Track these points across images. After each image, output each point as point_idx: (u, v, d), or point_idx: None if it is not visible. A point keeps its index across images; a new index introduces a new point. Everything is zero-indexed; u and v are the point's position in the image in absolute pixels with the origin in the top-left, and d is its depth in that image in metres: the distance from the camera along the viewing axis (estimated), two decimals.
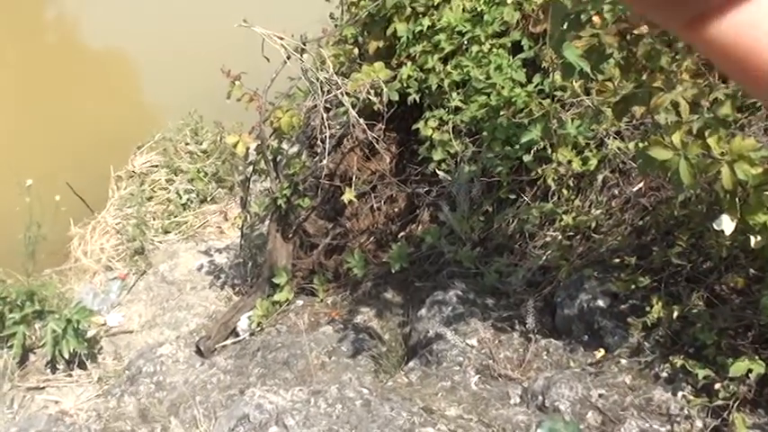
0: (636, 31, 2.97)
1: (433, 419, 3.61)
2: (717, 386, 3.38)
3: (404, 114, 5.48)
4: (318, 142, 5.53)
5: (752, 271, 3.61)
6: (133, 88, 10.76)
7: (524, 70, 4.77)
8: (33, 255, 6.70)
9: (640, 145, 3.60)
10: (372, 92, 5.14)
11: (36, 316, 6.08)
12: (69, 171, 7.84)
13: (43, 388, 5.84)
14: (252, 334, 5.69)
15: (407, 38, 5.21)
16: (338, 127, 5.66)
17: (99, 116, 9.25)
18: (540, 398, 3.74)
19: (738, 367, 3.24)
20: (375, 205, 5.71)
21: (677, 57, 3.05)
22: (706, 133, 2.78)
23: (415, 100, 5.20)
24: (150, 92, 10.41)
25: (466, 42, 5.03)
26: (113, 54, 11.07)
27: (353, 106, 5.29)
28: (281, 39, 5.16)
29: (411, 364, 4.51)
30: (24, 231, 6.54)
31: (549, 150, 4.44)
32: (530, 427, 3.51)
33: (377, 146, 5.49)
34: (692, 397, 3.50)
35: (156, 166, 8.34)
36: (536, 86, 4.65)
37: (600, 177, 4.46)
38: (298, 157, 5.78)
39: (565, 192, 4.58)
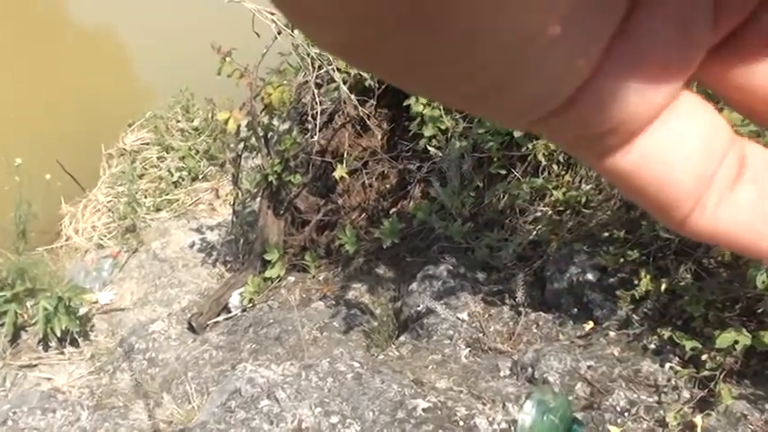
0: None
1: (423, 391, 3.63)
2: (704, 357, 3.41)
3: (395, 90, 5.47)
4: (309, 118, 5.53)
5: None
6: (124, 65, 10.72)
7: None
8: (24, 233, 6.70)
9: None
10: None
11: (27, 294, 6.08)
12: (59, 149, 7.83)
13: (35, 366, 5.85)
14: (244, 310, 5.71)
15: None
16: (329, 103, 5.66)
17: (89, 94, 9.22)
18: (530, 370, 3.76)
19: (725, 339, 3.26)
20: (366, 181, 5.72)
21: None
22: None
23: None
24: (141, 69, 10.37)
25: None
26: (104, 31, 11.02)
27: (345, 82, 5.29)
28: (272, 14, 5.15)
29: (402, 338, 4.54)
30: (15, 210, 6.54)
31: None
32: (519, 399, 3.54)
33: (368, 122, 5.49)
34: (679, 368, 3.53)
35: (148, 143, 8.34)
36: None
37: None
38: (289, 133, 5.78)
39: (555, 167, 4.59)
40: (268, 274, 5.76)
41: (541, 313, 4.26)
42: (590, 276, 4.13)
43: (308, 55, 5.39)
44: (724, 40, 0.29)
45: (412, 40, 0.24)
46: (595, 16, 0.26)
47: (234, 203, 6.44)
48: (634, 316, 3.84)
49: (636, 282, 3.79)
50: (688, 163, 0.30)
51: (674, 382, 3.50)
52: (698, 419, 3.26)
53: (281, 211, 5.87)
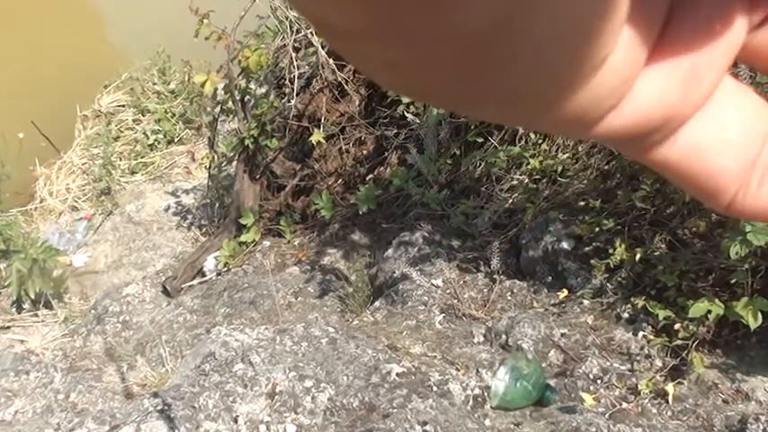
0: None
1: (397, 356, 3.65)
2: (676, 327, 3.44)
3: None
4: (287, 82, 5.50)
5: (713, 216, 3.66)
6: (100, 26, 10.60)
7: None
8: None
9: None
10: None
11: (1, 255, 6.05)
12: (34, 110, 7.75)
13: (9, 327, 5.82)
14: (218, 274, 5.70)
15: None
16: (307, 67, 5.62)
17: (64, 54, 9.12)
18: (504, 337, 3.78)
19: (698, 308, 3.29)
20: (344, 147, 5.70)
21: None
22: None
23: None
24: (118, 30, 10.25)
25: None
26: None
27: (323, 46, 5.25)
28: None
29: (377, 303, 4.54)
30: None
31: None
32: (493, 365, 3.56)
33: (346, 87, 5.47)
34: (652, 337, 3.56)
35: (123, 105, 8.27)
36: None
37: None
38: (266, 97, 5.74)
39: (532, 136, 4.60)
40: (243, 238, 5.74)
41: (516, 281, 4.28)
42: (565, 245, 4.15)
43: (287, 18, 5.34)
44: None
45: (482, 86, 0.26)
46: (642, 19, 0.27)
47: (210, 167, 6.40)
48: (608, 285, 3.87)
49: (611, 251, 3.82)
50: (733, 149, 0.31)
51: (646, 351, 3.53)
52: (669, 387, 3.29)
53: (257, 176, 5.85)
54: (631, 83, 0.28)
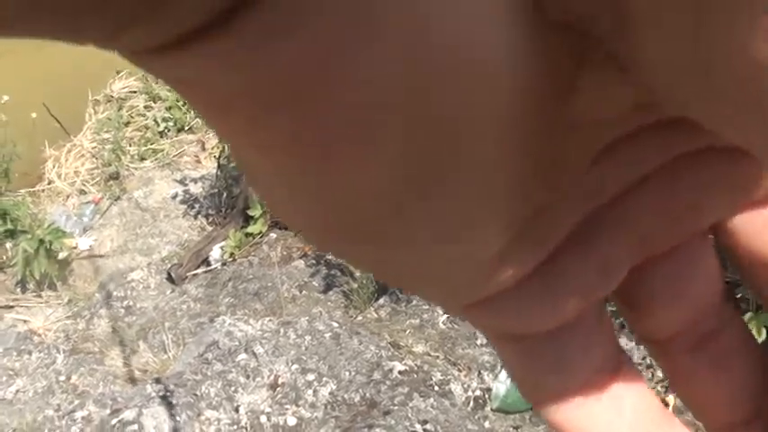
0: None
1: (400, 354, 3.67)
2: None
3: None
4: None
5: None
6: None
7: None
8: (7, 173, 6.67)
9: None
10: None
11: (8, 235, 6.06)
12: (46, 92, 7.76)
13: (12, 307, 5.84)
14: (224, 264, 5.71)
15: None
16: None
17: None
18: None
19: None
20: None
21: None
22: None
23: None
24: None
25: None
26: None
27: None
28: None
29: (381, 300, 4.56)
30: None
31: None
32: (495, 368, 3.58)
33: None
34: None
35: (135, 91, 8.27)
36: None
37: None
38: None
39: None
40: (250, 229, 5.75)
41: None
42: None
43: None
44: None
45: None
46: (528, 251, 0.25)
47: (219, 157, 6.41)
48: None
49: None
50: None
51: (648, 361, 3.55)
52: (670, 399, 3.30)
53: None
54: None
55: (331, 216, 0.21)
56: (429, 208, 0.21)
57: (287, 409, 3.36)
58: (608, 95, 0.21)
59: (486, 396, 3.47)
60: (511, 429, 3.34)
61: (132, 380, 4.54)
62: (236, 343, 3.77)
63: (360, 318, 4.41)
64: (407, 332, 4.03)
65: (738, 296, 3.35)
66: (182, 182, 7.12)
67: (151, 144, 7.70)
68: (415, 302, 4.30)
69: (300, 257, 5.44)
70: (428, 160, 0.19)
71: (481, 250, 0.23)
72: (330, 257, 5.26)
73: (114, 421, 3.40)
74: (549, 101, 0.20)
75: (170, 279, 5.76)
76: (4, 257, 6.09)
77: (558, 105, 0.21)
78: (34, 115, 6.79)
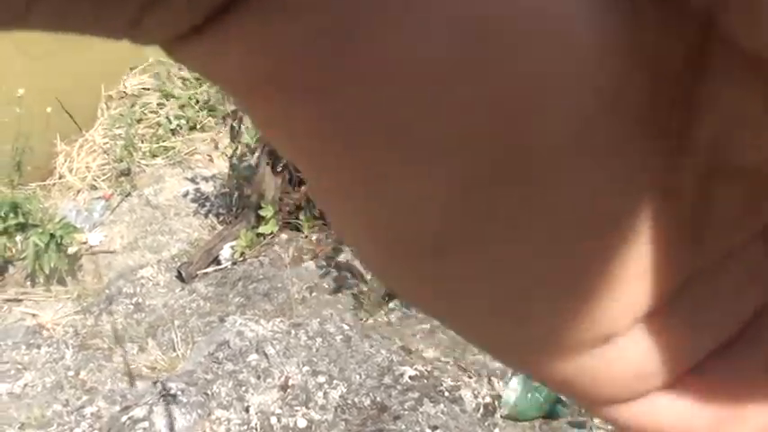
0: None
1: (411, 359, 3.67)
2: None
3: None
4: None
5: None
6: None
7: None
8: (20, 167, 6.68)
9: None
10: None
11: (19, 228, 6.06)
12: (59, 86, 7.78)
13: (21, 300, 5.84)
14: (234, 263, 5.72)
15: None
16: None
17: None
18: None
19: None
20: None
21: None
22: None
23: None
24: None
25: None
26: None
27: None
28: None
29: (392, 304, 4.56)
30: (12, 142, 6.50)
31: None
32: (505, 375, 3.58)
33: None
34: None
35: (148, 89, 8.29)
36: None
37: None
38: None
39: None
40: (261, 229, 5.76)
41: None
42: None
43: None
44: None
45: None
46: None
47: (232, 156, 6.42)
48: None
49: None
50: None
51: None
52: None
53: (280, 168, 5.86)
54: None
55: (393, 220, 0.18)
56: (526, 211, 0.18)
57: (297, 410, 3.37)
58: (734, 98, 0.17)
59: (496, 403, 3.47)
60: None
61: (140, 377, 4.55)
62: (248, 343, 3.77)
63: (370, 321, 4.41)
64: (418, 337, 4.03)
65: None
66: (193, 180, 7.13)
67: (163, 141, 7.71)
68: None
69: (311, 259, 5.44)
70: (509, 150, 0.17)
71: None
72: (340, 259, 5.26)
73: (124, 418, 3.40)
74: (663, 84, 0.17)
75: (180, 277, 5.76)
76: (14, 250, 6.09)
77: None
78: (49, 110, 6.80)
